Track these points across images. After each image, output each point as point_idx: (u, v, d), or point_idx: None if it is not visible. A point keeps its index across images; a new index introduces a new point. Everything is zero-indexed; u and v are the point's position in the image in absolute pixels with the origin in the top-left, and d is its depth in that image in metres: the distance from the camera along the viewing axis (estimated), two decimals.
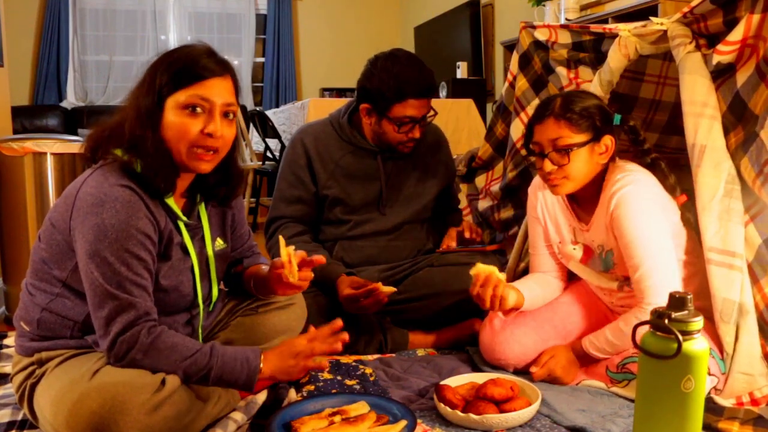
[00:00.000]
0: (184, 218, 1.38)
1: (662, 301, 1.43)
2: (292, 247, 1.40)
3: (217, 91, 1.31)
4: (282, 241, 1.41)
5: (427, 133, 2.08)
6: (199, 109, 1.29)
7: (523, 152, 2.42)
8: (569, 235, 1.75)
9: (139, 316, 1.24)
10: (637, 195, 1.56)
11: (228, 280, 1.65)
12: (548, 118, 1.59)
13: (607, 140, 1.61)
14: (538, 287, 1.79)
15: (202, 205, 1.45)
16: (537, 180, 1.82)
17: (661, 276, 1.53)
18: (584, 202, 1.70)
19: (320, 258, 1.42)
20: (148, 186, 1.29)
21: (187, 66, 1.30)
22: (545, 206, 1.79)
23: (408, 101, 1.89)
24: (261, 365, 1.31)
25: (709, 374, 1.50)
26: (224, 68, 1.34)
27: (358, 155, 2.04)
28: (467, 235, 2.05)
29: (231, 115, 1.34)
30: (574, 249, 1.73)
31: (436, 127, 2.19)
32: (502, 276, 1.61)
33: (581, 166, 1.59)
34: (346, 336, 1.37)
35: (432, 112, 1.97)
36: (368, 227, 2.05)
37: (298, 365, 1.34)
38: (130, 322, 1.23)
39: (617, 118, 1.65)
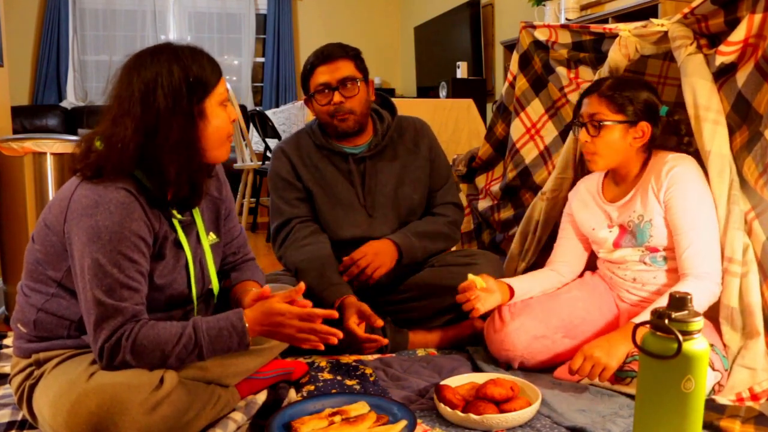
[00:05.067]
0: (179, 216, 1.37)
1: (714, 272, 1.59)
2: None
3: (224, 81, 1.37)
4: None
5: (404, 132, 2.07)
6: (225, 102, 1.35)
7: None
8: (605, 220, 1.80)
9: (125, 321, 1.24)
10: (695, 173, 1.66)
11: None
12: (594, 94, 1.72)
13: (644, 126, 1.69)
14: (534, 280, 1.87)
15: None
16: (578, 183, 1.94)
17: (713, 252, 1.60)
18: (624, 181, 1.79)
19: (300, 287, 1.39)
20: (162, 201, 1.31)
21: (207, 69, 1.31)
22: (580, 200, 1.88)
23: (315, 71, 1.95)
24: (247, 325, 1.31)
25: (714, 369, 1.50)
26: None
27: (333, 159, 2.03)
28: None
29: None
30: (610, 231, 1.79)
31: (419, 127, 2.11)
32: (482, 284, 1.71)
33: (611, 143, 1.69)
34: (333, 336, 1.35)
35: (350, 82, 1.94)
36: (358, 231, 2.00)
37: (283, 332, 1.34)
38: (115, 328, 1.23)
39: (663, 110, 1.74)
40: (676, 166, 1.66)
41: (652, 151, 1.75)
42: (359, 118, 1.98)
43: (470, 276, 1.72)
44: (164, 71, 1.26)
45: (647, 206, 1.70)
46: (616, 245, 1.78)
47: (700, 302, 1.56)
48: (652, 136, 1.71)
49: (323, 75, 1.94)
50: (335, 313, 1.38)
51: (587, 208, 1.86)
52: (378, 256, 1.91)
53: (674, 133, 1.78)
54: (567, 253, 1.92)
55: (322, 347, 1.35)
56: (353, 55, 1.98)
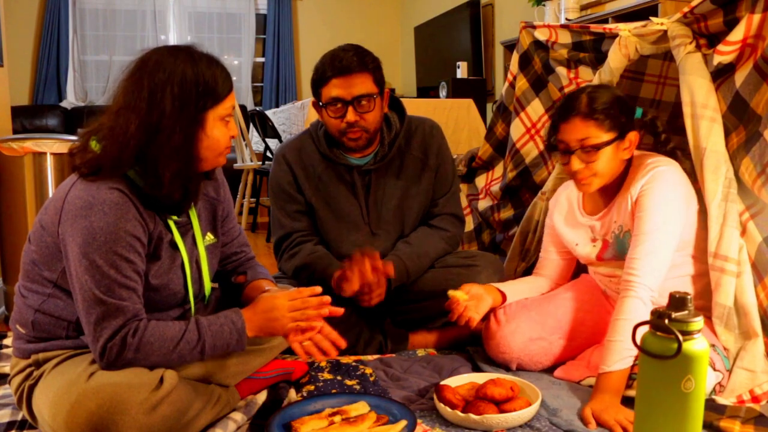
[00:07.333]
0: (174, 216, 1.37)
1: (650, 283, 1.51)
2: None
3: (234, 97, 1.37)
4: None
5: (413, 138, 1.99)
6: (228, 118, 1.34)
7: (524, 146, 2.42)
8: (587, 234, 1.77)
9: (127, 320, 1.24)
10: (671, 177, 1.59)
11: (225, 286, 1.63)
12: (575, 117, 1.59)
13: (632, 136, 1.63)
14: (524, 284, 1.87)
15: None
16: (558, 190, 1.90)
17: (660, 260, 1.54)
18: (605, 192, 1.71)
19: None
20: (161, 205, 1.31)
21: (219, 80, 1.30)
22: (560, 213, 1.83)
23: (330, 81, 1.81)
24: (245, 323, 1.33)
25: (715, 369, 1.50)
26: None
27: (337, 170, 1.96)
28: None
29: None
30: (594, 246, 1.75)
31: (428, 132, 2.02)
32: (464, 296, 1.69)
33: (608, 163, 1.61)
34: (329, 309, 1.38)
35: (365, 99, 1.82)
36: (360, 248, 1.86)
37: (278, 326, 1.35)
38: (118, 327, 1.23)
39: (639, 112, 1.69)
40: (657, 167, 1.59)
41: (633, 154, 1.68)
42: (371, 136, 1.90)
43: (450, 293, 1.70)
44: (178, 72, 1.25)
45: (625, 215, 1.64)
46: (600, 259, 1.74)
47: (633, 320, 1.38)
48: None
49: (337, 88, 1.81)
50: (318, 288, 1.39)
51: (568, 223, 1.81)
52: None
53: (651, 132, 1.76)
54: (550, 268, 1.90)
55: (317, 328, 1.37)
56: (372, 67, 1.83)
